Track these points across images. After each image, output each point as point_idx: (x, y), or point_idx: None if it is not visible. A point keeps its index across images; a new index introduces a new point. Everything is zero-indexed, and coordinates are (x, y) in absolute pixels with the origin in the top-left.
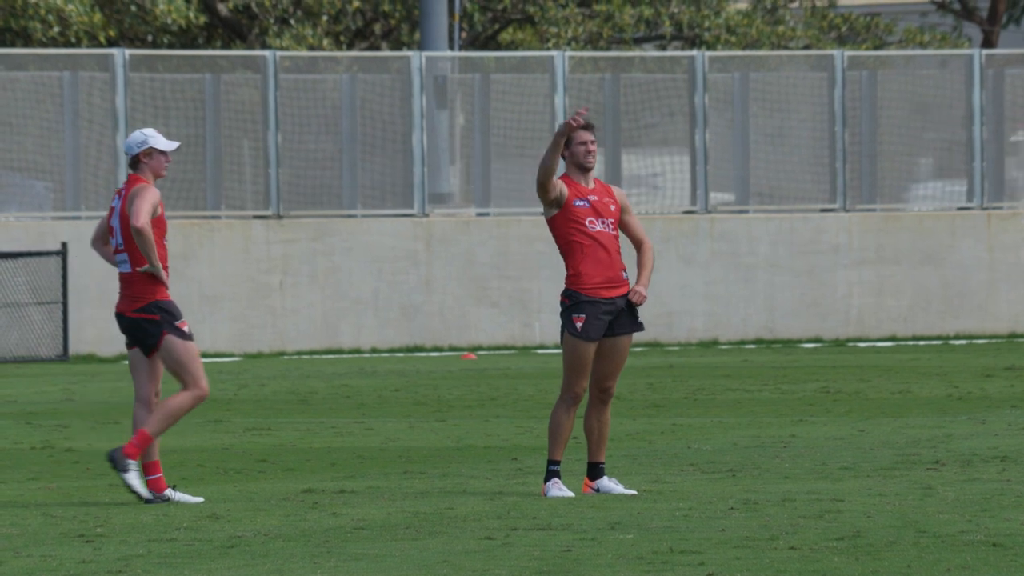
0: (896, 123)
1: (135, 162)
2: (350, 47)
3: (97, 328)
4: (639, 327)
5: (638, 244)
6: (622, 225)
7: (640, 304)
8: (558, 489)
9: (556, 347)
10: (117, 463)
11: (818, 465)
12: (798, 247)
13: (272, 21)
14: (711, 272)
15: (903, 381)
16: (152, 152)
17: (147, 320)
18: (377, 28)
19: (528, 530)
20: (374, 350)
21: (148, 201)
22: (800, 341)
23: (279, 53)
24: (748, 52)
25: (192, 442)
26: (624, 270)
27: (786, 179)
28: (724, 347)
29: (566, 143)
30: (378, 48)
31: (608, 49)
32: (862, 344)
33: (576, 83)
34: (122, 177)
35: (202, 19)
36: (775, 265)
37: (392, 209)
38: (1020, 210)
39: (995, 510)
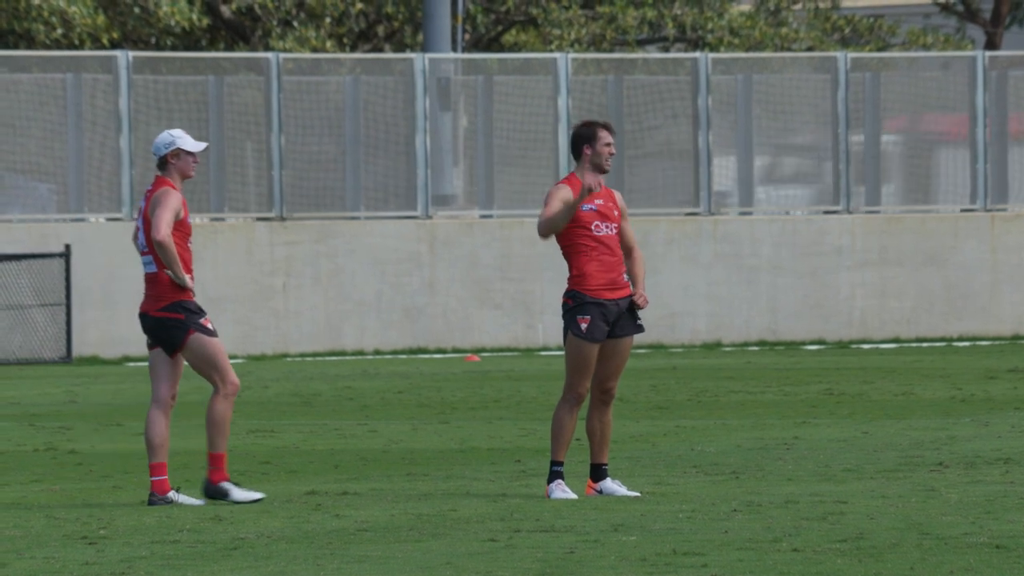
0: (900, 124)
1: (163, 163)
2: (353, 49)
3: (100, 330)
4: (640, 329)
5: (629, 251)
6: (623, 237)
7: (644, 307)
8: (561, 491)
9: (559, 349)
10: (218, 494)
11: (821, 467)
12: (801, 249)
13: (275, 23)
14: (714, 274)
15: (906, 383)
16: (180, 153)
17: (171, 319)
18: (380, 30)
19: (531, 532)
20: (377, 352)
21: (169, 209)
22: (803, 343)
23: (282, 55)
24: (751, 54)
25: (196, 444)
26: (625, 272)
27: (789, 181)
28: (727, 349)
29: (590, 143)
30: (381, 50)
31: (611, 51)
32: (865, 346)
33: (579, 85)
34: (125, 179)
35: (205, 21)
36: (778, 267)
37: (395, 211)
38: (1023, 212)
39: (999, 512)
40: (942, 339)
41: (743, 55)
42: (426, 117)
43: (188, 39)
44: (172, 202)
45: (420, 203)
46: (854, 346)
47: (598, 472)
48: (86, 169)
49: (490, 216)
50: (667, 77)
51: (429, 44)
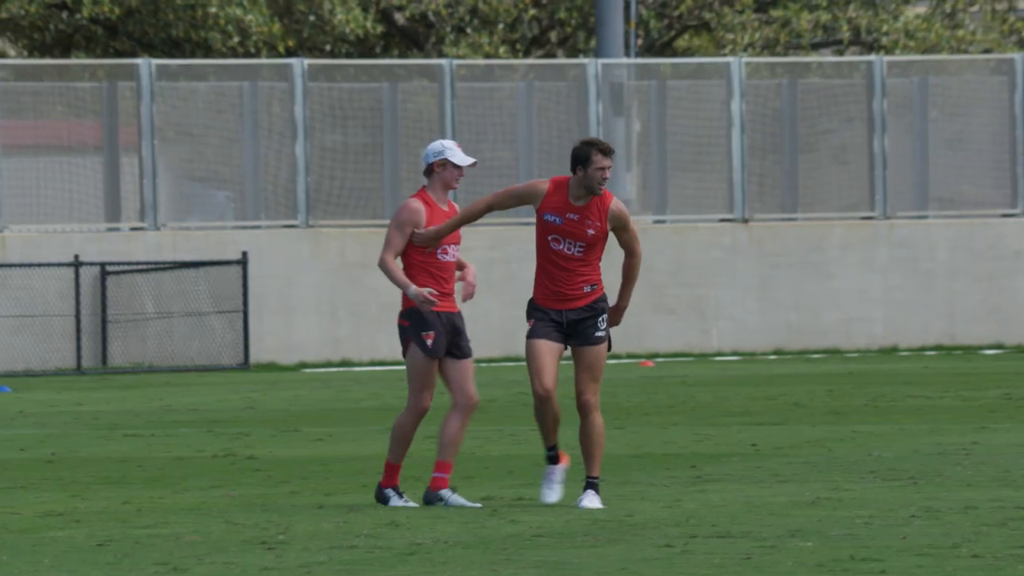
0: None
1: (429, 171)
2: (526, 55)
3: (277, 337)
4: (598, 341)
5: (627, 256)
6: (620, 242)
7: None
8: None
9: (734, 354)
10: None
11: (1001, 472)
12: (978, 252)
13: (449, 30)
14: (890, 278)
15: None
16: (446, 164)
17: (400, 325)
18: (553, 35)
19: (707, 537)
20: None
21: (392, 228)
22: (981, 347)
23: (456, 61)
24: (927, 56)
25: (372, 449)
26: (588, 284)
27: (966, 184)
28: (904, 353)
29: (583, 165)
30: (554, 55)
31: (785, 55)
32: None
33: (753, 89)
34: (301, 186)
35: (379, 28)
36: (955, 271)
37: None
38: None
39: None
40: None
41: (919, 58)
42: (599, 122)
43: (363, 46)
44: (394, 222)
45: None
46: None
47: (586, 485)
48: (262, 176)
49: (663, 221)
50: (841, 80)
51: (602, 49)
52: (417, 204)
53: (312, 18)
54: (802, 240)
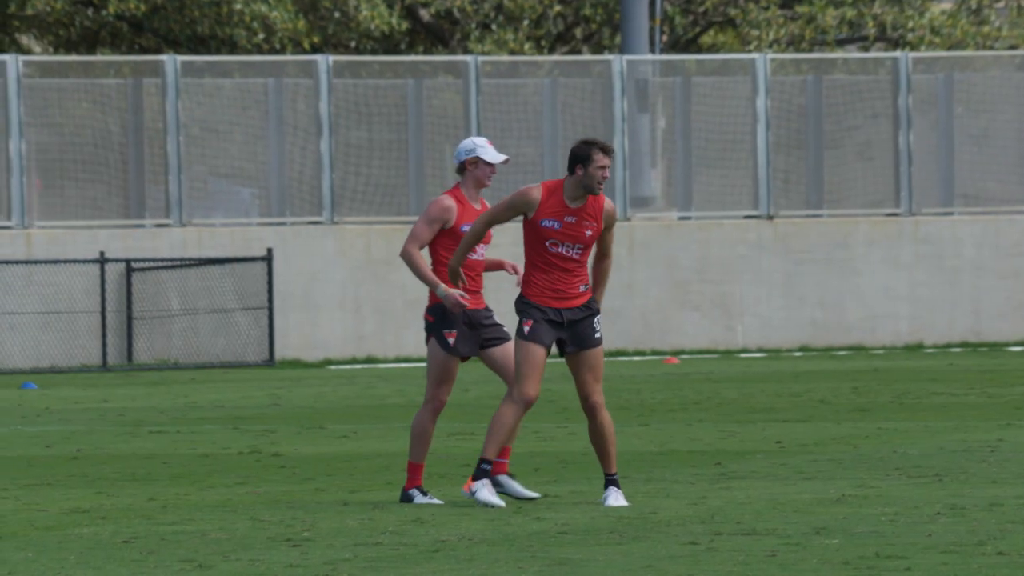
0: None
1: (461, 168)
2: (551, 51)
3: (302, 333)
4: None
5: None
6: (601, 242)
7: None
8: (488, 492)
9: (759, 351)
10: (405, 499)
11: None
12: (1004, 249)
13: (474, 26)
14: (915, 275)
15: None
16: (478, 162)
17: (426, 320)
18: (578, 32)
19: (732, 535)
20: None
21: (421, 222)
22: (1007, 344)
23: (481, 58)
24: (953, 53)
25: (397, 446)
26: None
27: (992, 180)
28: (929, 350)
29: (583, 164)
30: (579, 52)
31: (810, 51)
32: None
33: (778, 85)
34: (326, 183)
35: (404, 25)
36: (981, 267)
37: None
38: None
39: None
40: None
41: (944, 54)
42: (624, 119)
43: (388, 43)
44: (424, 216)
45: (618, 205)
46: None
47: (605, 482)
48: (288, 173)
49: (688, 218)
50: (867, 77)
51: (627, 46)
52: (449, 201)
53: (337, 15)
54: (827, 236)
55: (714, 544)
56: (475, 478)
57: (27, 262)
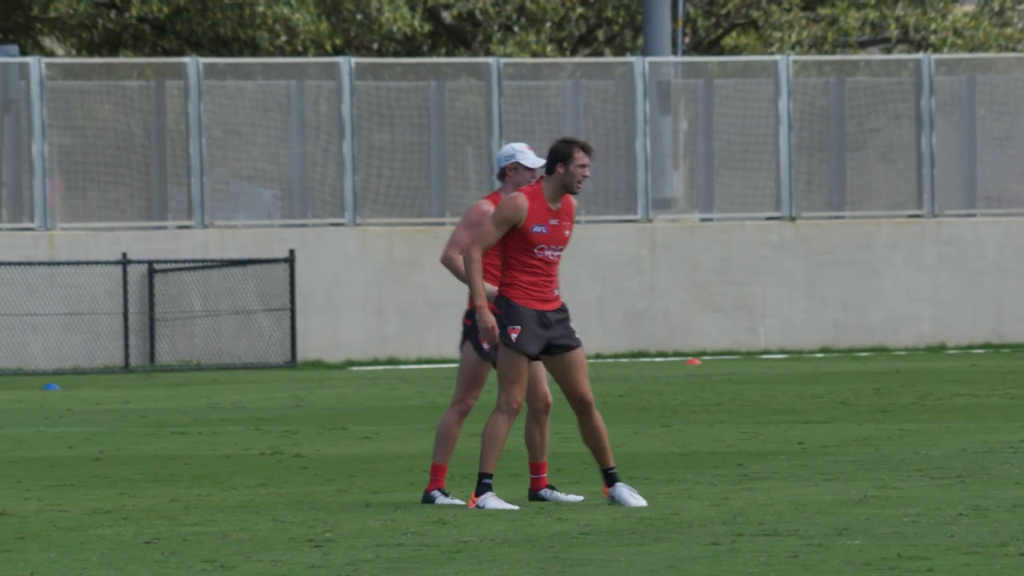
0: None
1: (501, 175)
2: (573, 53)
3: (324, 335)
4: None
5: None
6: None
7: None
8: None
9: (781, 352)
10: (426, 500)
11: None
12: None
13: (496, 28)
14: (938, 276)
15: None
16: (518, 167)
17: (464, 323)
18: (600, 34)
19: (754, 536)
20: (598, 356)
21: (460, 227)
22: None
23: (503, 60)
24: (975, 55)
25: (419, 447)
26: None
27: (1014, 182)
28: (952, 352)
29: (564, 162)
30: (601, 54)
31: (832, 53)
32: None
33: (800, 87)
34: (348, 185)
35: (427, 27)
36: (1003, 269)
37: (615, 215)
38: None
39: None
40: None
41: (967, 56)
42: (646, 120)
43: (410, 45)
44: (469, 218)
45: (640, 207)
46: None
47: (608, 477)
48: (310, 175)
49: (710, 219)
50: (889, 78)
51: (649, 47)
52: (487, 206)
53: (359, 17)
54: (849, 238)
55: (736, 545)
56: (477, 494)
57: (50, 264)
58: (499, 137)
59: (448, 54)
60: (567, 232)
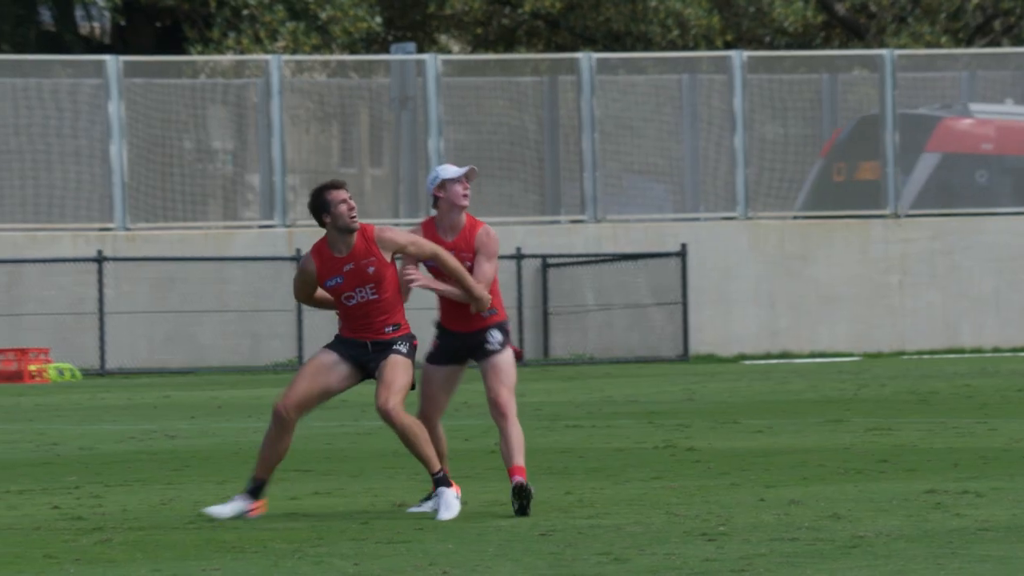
0: None
1: (435, 201)
2: (969, 44)
3: (716, 329)
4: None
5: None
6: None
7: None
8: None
9: None
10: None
11: None
12: None
13: (890, 19)
14: None
15: None
16: (444, 184)
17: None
18: (997, 24)
19: None
20: (996, 350)
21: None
22: None
23: (896, 52)
24: None
25: (813, 441)
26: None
27: None
28: None
29: (325, 210)
30: (998, 44)
31: None
32: None
33: None
34: (739, 178)
35: (819, 19)
36: None
37: (1012, 207)
38: None
39: None
40: None
41: None
42: None
43: (802, 37)
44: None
45: None
46: None
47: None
48: (701, 169)
49: None
50: None
51: None
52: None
53: (752, 10)
54: None
55: None
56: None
57: None
58: (892, 128)
59: (840, 46)
60: (370, 269)
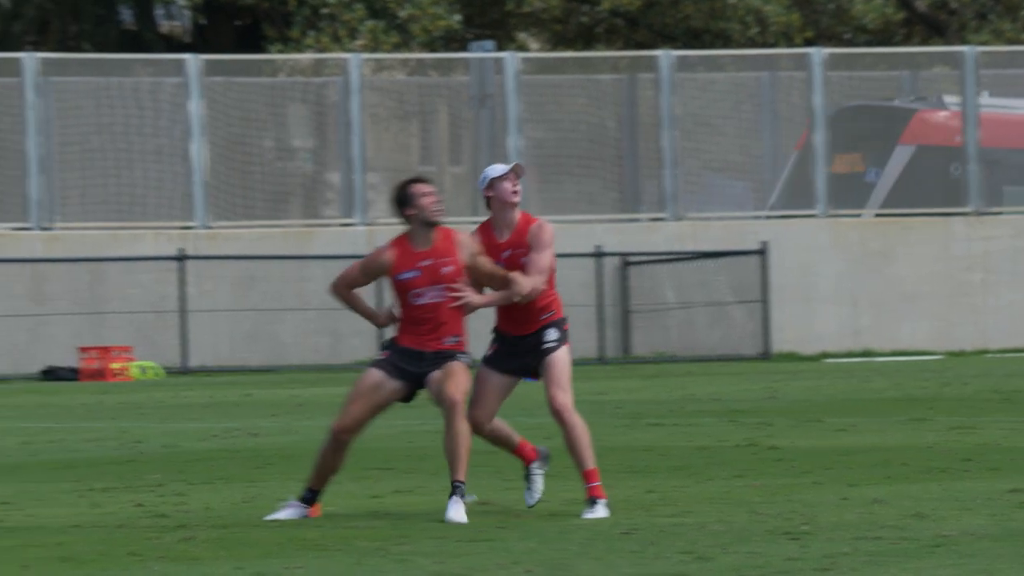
0: None
1: (488, 202)
2: None
3: (797, 327)
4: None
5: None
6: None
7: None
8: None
9: None
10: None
11: None
12: None
13: (971, 16)
14: None
15: None
16: (493, 184)
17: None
18: None
19: None
20: None
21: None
22: None
23: (977, 48)
24: None
25: (896, 440)
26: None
27: None
28: None
29: (407, 204)
30: None
31: None
32: None
33: None
34: (819, 176)
35: (899, 16)
36: None
37: None
38: None
39: None
40: None
41: None
42: None
43: (882, 34)
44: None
45: None
46: None
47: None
48: (781, 167)
49: None
50: None
51: None
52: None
53: (832, 7)
54: None
55: None
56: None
57: None
58: (974, 128)
59: (921, 43)
60: (446, 269)
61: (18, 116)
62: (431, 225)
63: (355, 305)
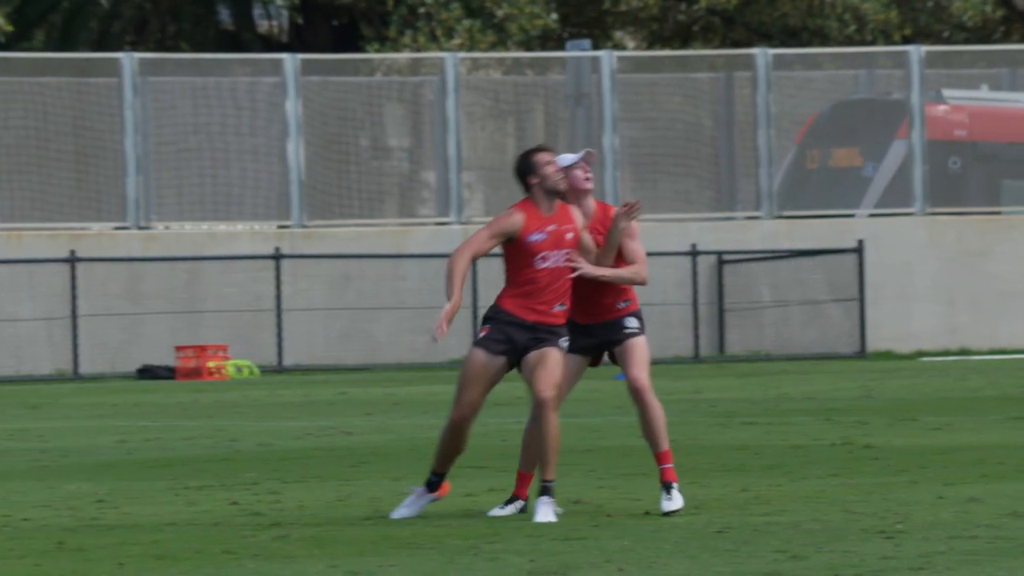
0: None
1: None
2: None
3: (894, 325)
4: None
5: None
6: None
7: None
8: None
9: None
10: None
11: None
12: None
13: None
14: None
15: None
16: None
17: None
18: None
19: None
20: None
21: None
22: None
23: None
24: None
25: (992, 439)
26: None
27: None
28: None
29: (531, 173)
30: None
31: None
32: None
33: None
34: (916, 174)
35: (998, 13)
36: None
37: None
38: None
39: None
40: None
41: None
42: None
43: (981, 32)
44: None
45: None
46: None
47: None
48: (878, 164)
49: None
50: None
51: None
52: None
53: (930, 5)
54: None
55: None
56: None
57: None
58: None
59: (1020, 41)
60: (568, 235)
61: (116, 116)
62: (554, 194)
63: (459, 279)
